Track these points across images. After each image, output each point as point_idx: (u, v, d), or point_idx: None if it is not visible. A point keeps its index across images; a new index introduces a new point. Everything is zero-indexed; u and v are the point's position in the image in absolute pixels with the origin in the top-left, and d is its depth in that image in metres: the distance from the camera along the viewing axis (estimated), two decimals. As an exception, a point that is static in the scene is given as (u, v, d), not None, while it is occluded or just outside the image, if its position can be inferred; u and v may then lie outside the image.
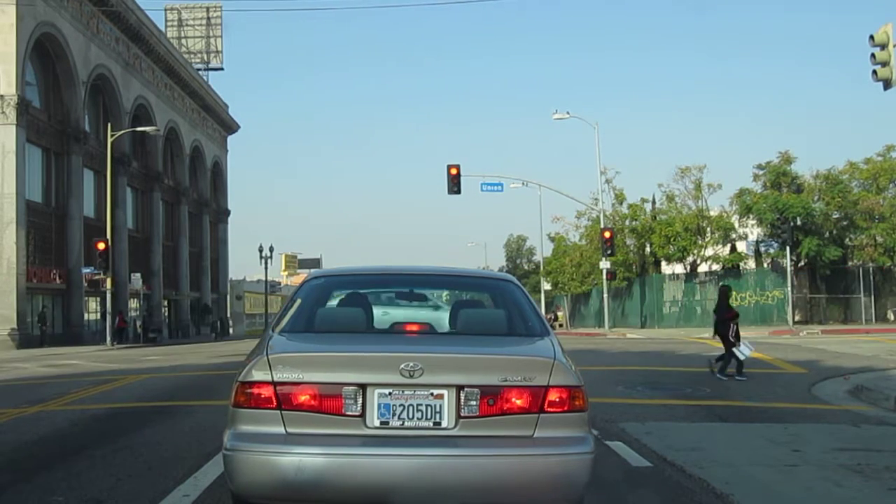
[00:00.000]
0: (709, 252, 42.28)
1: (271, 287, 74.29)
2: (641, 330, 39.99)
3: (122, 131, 42.49)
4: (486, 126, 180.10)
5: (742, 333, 14.20)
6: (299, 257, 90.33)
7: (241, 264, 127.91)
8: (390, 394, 3.83)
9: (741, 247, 43.56)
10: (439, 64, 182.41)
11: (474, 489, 3.67)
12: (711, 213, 42.82)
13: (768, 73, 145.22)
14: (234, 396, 3.91)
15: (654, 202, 45.58)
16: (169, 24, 69.49)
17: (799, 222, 37.34)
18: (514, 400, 3.85)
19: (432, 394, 3.84)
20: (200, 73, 67.12)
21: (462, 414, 3.83)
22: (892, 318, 38.41)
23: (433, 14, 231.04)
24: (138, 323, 46.07)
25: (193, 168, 64.13)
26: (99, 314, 43.74)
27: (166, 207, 58.21)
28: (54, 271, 39.58)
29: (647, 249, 44.79)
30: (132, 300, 48.16)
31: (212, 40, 71.48)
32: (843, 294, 38.33)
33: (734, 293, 38.48)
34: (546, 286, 54.38)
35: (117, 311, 40.21)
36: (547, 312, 52.09)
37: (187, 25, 70.86)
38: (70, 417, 9.70)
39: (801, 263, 38.70)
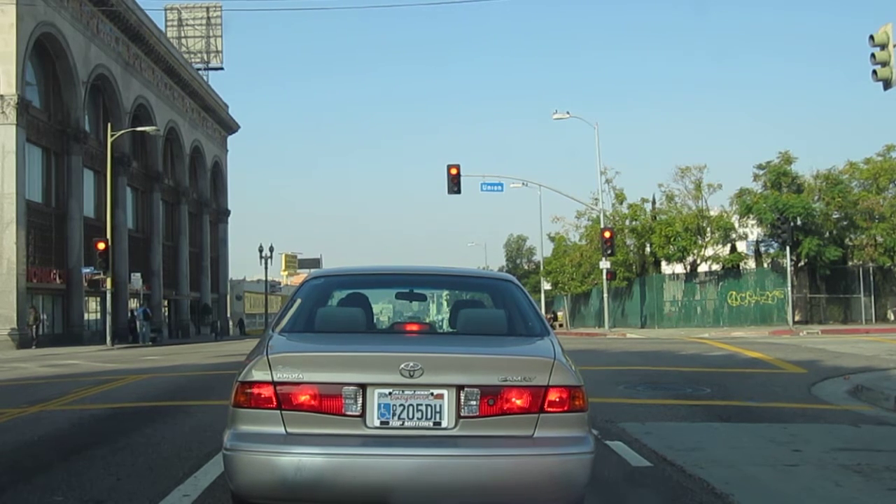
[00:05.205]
0: (709, 252, 42.27)
1: (271, 287, 74.31)
2: (641, 330, 39.96)
3: (122, 131, 42.47)
4: (486, 126, 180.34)
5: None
6: (299, 257, 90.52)
7: (241, 264, 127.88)
8: (390, 394, 3.83)
9: (741, 247, 43.52)
10: (440, 64, 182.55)
11: (474, 489, 3.67)
12: (711, 213, 42.79)
13: (768, 73, 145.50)
14: (234, 396, 3.91)
15: (654, 202, 45.60)
16: (169, 24, 69.49)
17: (799, 222, 37.31)
18: (514, 400, 3.85)
19: (432, 394, 3.84)
20: (200, 73, 67.09)
21: (462, 414, 3.83)
22: (892, 317, 38.41)
23: (434, 14, 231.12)
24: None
25: (193, 168, 64.10)
26: (99, 314, 43.75)
27: (166, 207, 58.18)
28: (54, 271, 39.57)
29: (647, 249, 44.77)
30: (132, 300, 48.15)
31: (212, 40, 71.48)
32: (843, 294, 38.31)
33: (734, 293, 38.93)
34: (546, 286, 54.39)
35: (131, 311, 40.52)
36: (547, 312, 52.11)
37: (187, 25, 70.85)
38: (70, 417, 9.70)
39: (801, 263, 38.68)
